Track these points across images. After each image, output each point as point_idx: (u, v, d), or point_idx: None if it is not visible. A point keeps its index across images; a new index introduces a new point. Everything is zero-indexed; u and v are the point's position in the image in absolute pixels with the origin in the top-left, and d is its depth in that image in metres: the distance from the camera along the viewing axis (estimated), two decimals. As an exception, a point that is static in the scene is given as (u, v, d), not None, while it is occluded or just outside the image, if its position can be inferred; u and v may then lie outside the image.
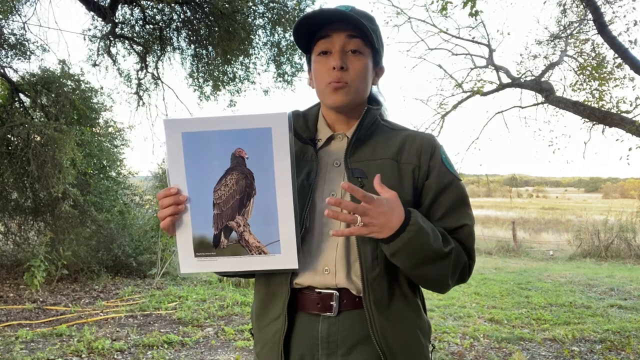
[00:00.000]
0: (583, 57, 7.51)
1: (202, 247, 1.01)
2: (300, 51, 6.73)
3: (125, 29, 6.77)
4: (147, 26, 6.75)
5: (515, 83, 7.56)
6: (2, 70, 5.87)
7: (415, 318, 1.09)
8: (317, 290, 1.06)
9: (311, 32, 1.09)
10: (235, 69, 7.09)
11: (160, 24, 6.67)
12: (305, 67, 1.22)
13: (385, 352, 1.02)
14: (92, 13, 6.29)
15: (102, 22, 6.47)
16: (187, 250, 1.02)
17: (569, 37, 7.44)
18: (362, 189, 1.05)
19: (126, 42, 6.87)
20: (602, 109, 6.45)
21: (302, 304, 1.07)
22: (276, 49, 6.86)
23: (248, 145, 0.98)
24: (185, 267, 1.02)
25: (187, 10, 6.46)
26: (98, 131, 7.43)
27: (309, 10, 6.41)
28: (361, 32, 1.06)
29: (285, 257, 1.01)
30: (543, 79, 7.32)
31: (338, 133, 1.15)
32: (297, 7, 6.40)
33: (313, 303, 1.05)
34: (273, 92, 7.99)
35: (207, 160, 0.99)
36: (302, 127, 1.16)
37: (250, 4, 6.33)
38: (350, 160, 1.09)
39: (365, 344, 1.03)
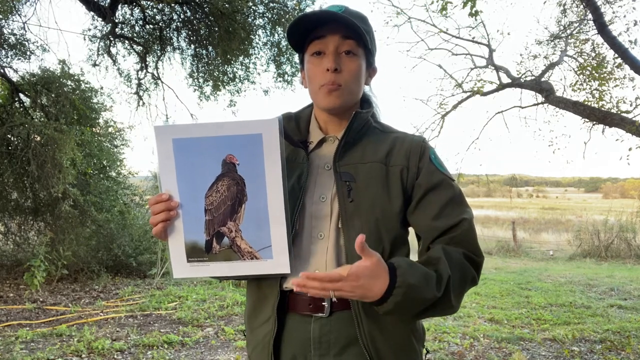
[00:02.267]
0: (583, 57, 7.50)
1: (194, 253, 1.02)
2: (299, 51, 6.79)
3: (125, 29, 6.77)
4: (147, 26, 6.75)
5: (515, 83, 7.55)
6: (2, 70, 5.87)
7: (408, 323, 1.08)
8: None
9: (305, 32, 1.09)
10: (235, 69, 7.10)
11: (160, 24, 6.68)
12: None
13: (373, 357, 1.02)
14: (92, 13, 6.30)
15: (102, 22, 6.47)
16: (180, 256, 1.02)
17: (569, 37, 7.43)
18: (350, 192, 1.05)
19: (126, 42, 6.87)
20: (602, 109, 6.44)
21: (294, 305, 1.06)
22: (276, 49, 6.86)
23: (239, 151, 0.98)
24: (178, 272, 1.03)
25: (187, 10, 6.47)
26: (98, 131, 7.44)
27: (309, 10, 6.40)
28: (355, 33, 1.06)
29: (277, 262, 1.01)
30: (543, 79, 7.30)
31: (330, 136, 1.15)
32: (297, 7, 6.39)
33: (305, 304, 1.05)
34: (273, 92, 8.00)
35: (198, 167, 0.99)
36: (294, 129, 1.16)
37: (250, 4, 6.33)
38: (339, 164, 1.09)
39: (358, 345, 1.03)
